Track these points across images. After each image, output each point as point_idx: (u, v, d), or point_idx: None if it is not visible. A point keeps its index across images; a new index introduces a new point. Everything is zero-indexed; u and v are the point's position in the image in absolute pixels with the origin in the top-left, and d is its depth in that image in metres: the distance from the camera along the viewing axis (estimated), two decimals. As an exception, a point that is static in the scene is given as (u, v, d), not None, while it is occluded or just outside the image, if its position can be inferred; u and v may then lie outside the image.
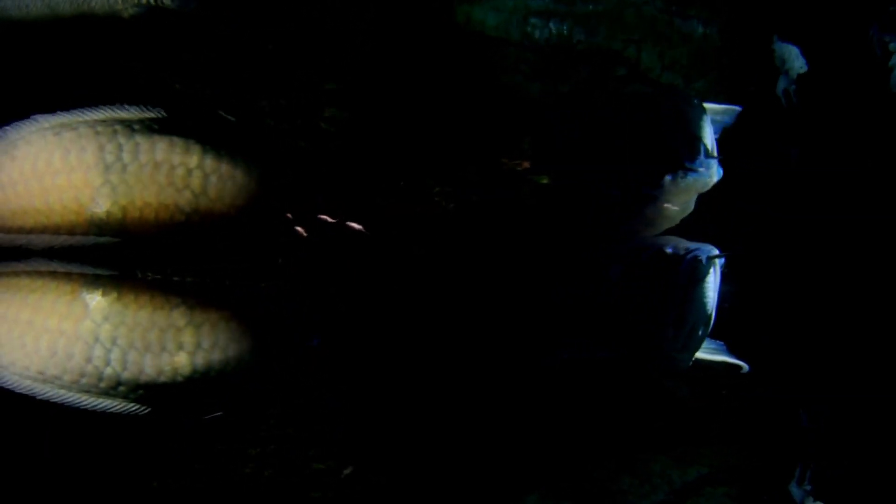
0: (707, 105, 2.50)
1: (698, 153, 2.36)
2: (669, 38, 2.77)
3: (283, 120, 2.64)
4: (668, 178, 2.38)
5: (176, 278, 2.39)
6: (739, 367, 2.52)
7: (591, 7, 2.71)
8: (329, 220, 2.50)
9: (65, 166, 2.28)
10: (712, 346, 2.49)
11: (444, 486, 2.60)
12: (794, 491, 2.74)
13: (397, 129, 2.68)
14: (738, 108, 2.60)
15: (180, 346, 2.27)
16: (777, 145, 2.86)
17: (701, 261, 2.27)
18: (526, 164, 2.68)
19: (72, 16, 2.44)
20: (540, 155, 2.69)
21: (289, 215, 2.47)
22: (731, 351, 2.53)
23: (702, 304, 2.30)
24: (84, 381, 2.23)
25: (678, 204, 2.46)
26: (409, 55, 2.69)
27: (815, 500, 2.71)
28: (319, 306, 2.57)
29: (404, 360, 2.62)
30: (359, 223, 2.57)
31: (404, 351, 2.62)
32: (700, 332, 2.32)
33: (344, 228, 2.52)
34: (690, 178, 2.38)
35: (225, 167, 2.32)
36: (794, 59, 2.85)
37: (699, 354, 2.43)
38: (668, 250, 2.33)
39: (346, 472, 2.51)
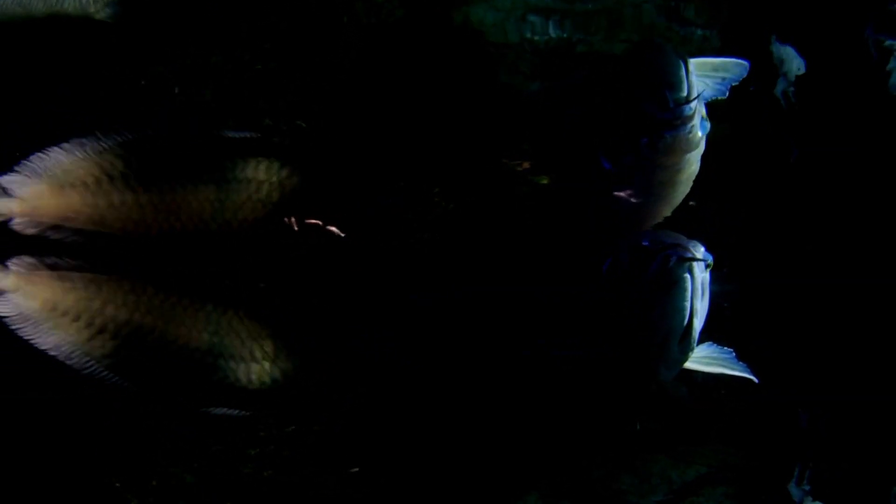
0: (701, 59, 2.25)
1: (667, 103, 2.07)
2: (669, 40, 2.77)
3: (281, 120, 2.64)
4: (643, 140, 2.14)
5: (256, 287, 2.48)
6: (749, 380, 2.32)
7: (590, 6, 2.72)
8: (316, 222, 2.52)
9: (190, 181, 2.38)
10: (717, 354, 2.29)
11: (443, 486, 2.60)
12: (793, 491, 2.74)
13: (397, 129, 2.68)
14: (740, 61, 2.29)
15: (265, 356, 2.37)
16: (776, 146, 2.86)
17: (671, 263, 1.98)
18: (526, 165, 2.69)
19: (45, 15, 2.46)
20: (538, 149, 2.68)
21: (286, 219, 2.52)
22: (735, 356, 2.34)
23: (674, 312, 2.00)
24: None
25: (669, 168, 2.22)
26: (408, 55, 2.69)
27: (813, 501, 2.72)
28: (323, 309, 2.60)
29: (403, 360, 2.62)
30: (357, 224, 2.58)
31: (402, 350, 2.62)
32: (675, 344, 2.04)
33: (326, 232, 2.54)
34: (668, 136, 2.11)
35: (296, 178, 2.41)
36: (792, 60, 2.86)
37: (695, 366, 2.25)
38: (645, 243, 2.06)
39: (346, 472, 2.51)
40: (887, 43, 2.75)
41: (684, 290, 1.98)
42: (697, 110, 2.13)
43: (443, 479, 2.61)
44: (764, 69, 2.84)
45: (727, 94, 2.30)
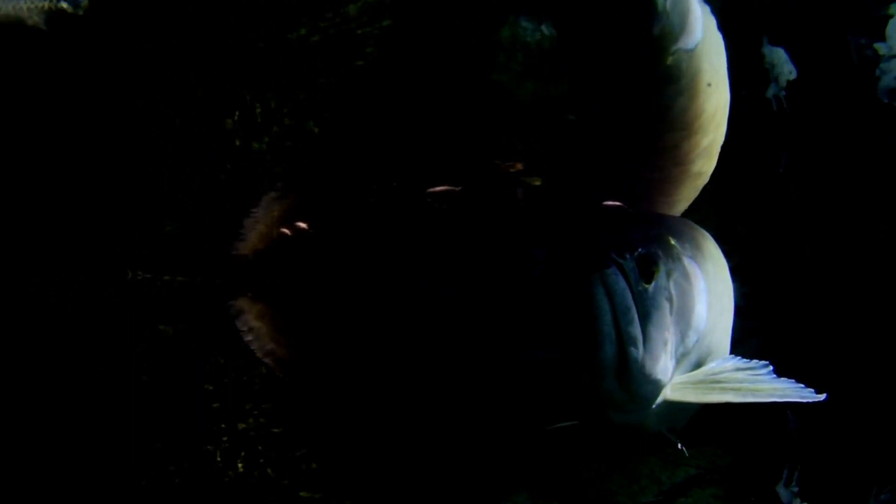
0: None
1: None
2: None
3: (271, 121, 2.63)
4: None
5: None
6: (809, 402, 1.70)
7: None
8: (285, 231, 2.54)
9: None
10: (740, 373, 1.71)
11: (434, 485, 2.60)
12: (782, 492, 2.76)
13: (388, 129, 2.68)
14: None
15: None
16: (767, 149, 2.88)
17: (590, 279, 1.53)
18: (519, 166, 2.68)
19: None
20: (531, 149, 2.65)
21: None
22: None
23: (591, 343, 1.53)
24: None
25: (653, 64, 1.78)
26: (400, 55, 2.69)
27: (802, 502, 2.74)
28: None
29: (392, 361, 2.62)
30: (348, 224, 2.57)
31: (393, 351, 2.61)
32: (612, 382, 1.56)
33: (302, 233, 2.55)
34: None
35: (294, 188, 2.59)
36: (784, 64, 2.87)
37: (697, 397, 1.69)
38: (556, 249, 1.67)
39: (337, 472, 2.51)
40: (876, 47, 2.77)
41: (597, 312, 1.53)
42: None
43: (433, 478, 2.61)
44: (757, 71, 2.86)
45: None
